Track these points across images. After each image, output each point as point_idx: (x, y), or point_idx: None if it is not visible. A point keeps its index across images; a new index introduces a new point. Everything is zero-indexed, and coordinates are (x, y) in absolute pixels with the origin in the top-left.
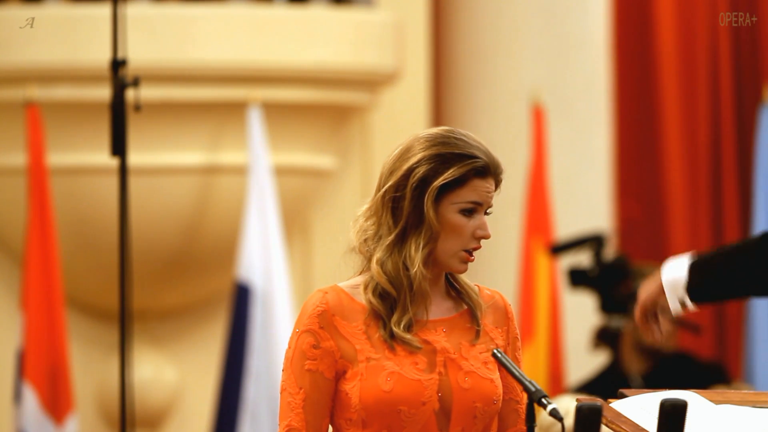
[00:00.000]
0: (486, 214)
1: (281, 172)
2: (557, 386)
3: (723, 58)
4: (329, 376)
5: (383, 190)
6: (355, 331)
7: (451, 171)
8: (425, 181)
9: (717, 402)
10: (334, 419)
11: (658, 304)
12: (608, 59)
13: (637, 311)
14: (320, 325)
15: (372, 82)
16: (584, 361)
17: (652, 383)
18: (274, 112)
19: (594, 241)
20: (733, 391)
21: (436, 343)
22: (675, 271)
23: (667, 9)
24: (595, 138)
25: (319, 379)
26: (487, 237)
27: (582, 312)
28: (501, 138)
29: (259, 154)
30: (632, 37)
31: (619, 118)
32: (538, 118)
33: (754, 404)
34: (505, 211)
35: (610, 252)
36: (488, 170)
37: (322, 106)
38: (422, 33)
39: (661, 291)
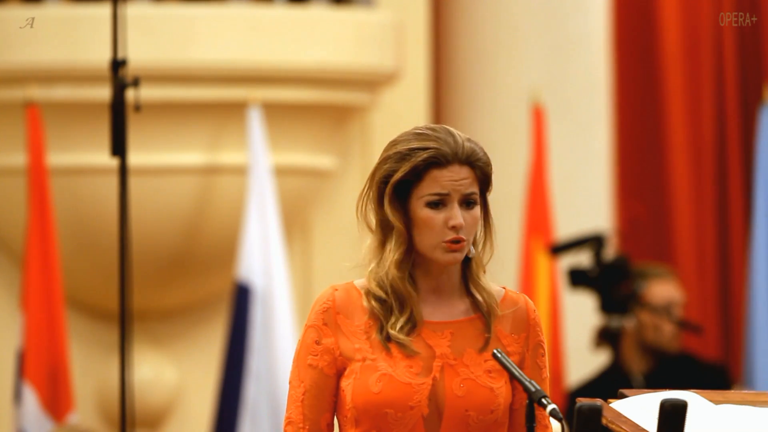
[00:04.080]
0: (468, 204)
1: (281, 172)
2: (557, 386)
3: (727, 57)
4: (329, 372)
5: (362, 196)
6: (356, 330)
7: (404, 166)
8: (385, 182)
9: (717, 402)
10: (337, 415)
11: None
12: (609, 59)
13: None
14: (324, 322)
15: (372, 82)
16: (585, 361)
17: (653, 383)
18: (274, 112)
19: (594, 241)
20: (733, 391)
21: (436, 347)
22: None
23: (669, 8)
24: (595, 138)
25: (318, 375)
26: (459, 226)
27: (582, 312)
28: (501, 138)
29: (259, 154)
30: (633, 36)
31: (620, 117)
32: (538, 118)
33: (754, 404)
34: (505, 211)
35: (610, 252)
36: (447, 159)
37: (322, 106)
38: (422, 33)
39: None
